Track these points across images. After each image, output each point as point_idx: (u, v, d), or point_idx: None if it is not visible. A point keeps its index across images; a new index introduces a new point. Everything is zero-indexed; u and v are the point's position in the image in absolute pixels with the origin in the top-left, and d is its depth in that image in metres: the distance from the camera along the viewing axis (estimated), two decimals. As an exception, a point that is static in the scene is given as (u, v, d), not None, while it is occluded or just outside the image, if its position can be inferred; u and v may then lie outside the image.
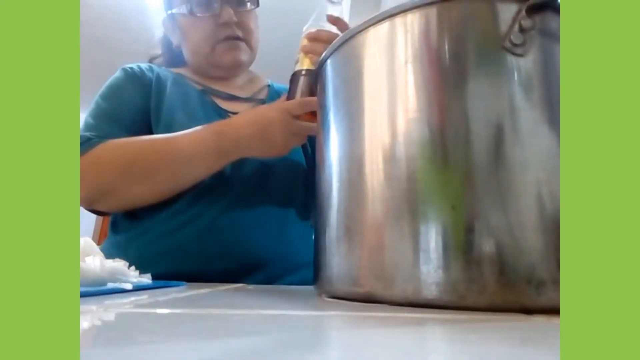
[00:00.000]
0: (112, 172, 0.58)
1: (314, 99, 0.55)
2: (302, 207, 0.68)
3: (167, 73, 0.73)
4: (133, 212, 0.64)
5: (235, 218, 0.61)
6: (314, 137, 0.51)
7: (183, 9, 0.71)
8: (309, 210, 0.69)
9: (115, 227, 0.67)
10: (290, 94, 0.58)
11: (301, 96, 0.58)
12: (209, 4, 0.70)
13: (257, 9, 0.76)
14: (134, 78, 0.70)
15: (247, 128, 0.59)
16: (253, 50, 0.76)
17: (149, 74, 0.71)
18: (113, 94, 0.68)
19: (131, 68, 0.71)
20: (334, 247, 0.33)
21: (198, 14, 0.71)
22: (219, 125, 0.61)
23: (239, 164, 0.62)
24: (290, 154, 0.64)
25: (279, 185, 0.67)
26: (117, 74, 0.71)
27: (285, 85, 0.65)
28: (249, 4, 0.74)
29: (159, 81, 0.70)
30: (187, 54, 0.77)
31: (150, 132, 0.65)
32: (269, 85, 0.82)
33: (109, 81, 0.70)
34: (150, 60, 0.82)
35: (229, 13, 0.70)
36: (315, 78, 0.53)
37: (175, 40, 0.78)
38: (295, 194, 0.68)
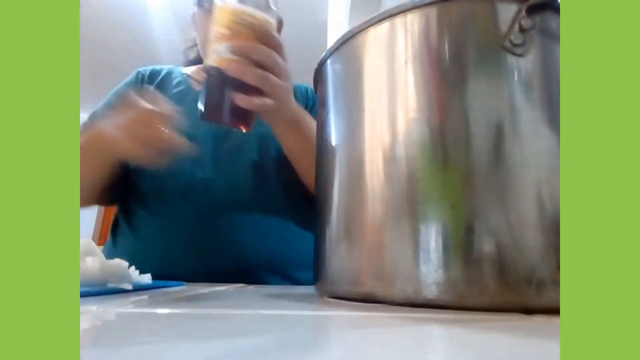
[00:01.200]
0: None
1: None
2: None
3: (176, 75, 0.75)
4: (131, 215, 0.64)
5: (235, 219, 0.61)
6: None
7: (196, 1, 0.74)
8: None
9: (115, 230, 0.67)
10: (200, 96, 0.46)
11: (205, 100, 0.45)
12: None
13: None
14: (136, 83, 0.73)
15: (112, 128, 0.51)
16: None
17: (156, 76, 0.74)
18: (108, 102, 0.71)
19: (139, 72, 0.76)
20: (334, 247, 0.33)
21: (205, 5, 0.72)
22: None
23: (234, 162, 0.62)
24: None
25: (278, 185, 0.67)
26: (128, 78, 0.75)
27: (298, 82, 0.63)
28: None
29: (163, 83, 0.73)
30: (199, 48, 0.79)
31: None
32: None
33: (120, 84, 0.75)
34: (185, 53, 0.86)
35: None
36: (221, 81, 0.42)
37: (194, 34, 0.81)
38: (295, 194, 0.68)
